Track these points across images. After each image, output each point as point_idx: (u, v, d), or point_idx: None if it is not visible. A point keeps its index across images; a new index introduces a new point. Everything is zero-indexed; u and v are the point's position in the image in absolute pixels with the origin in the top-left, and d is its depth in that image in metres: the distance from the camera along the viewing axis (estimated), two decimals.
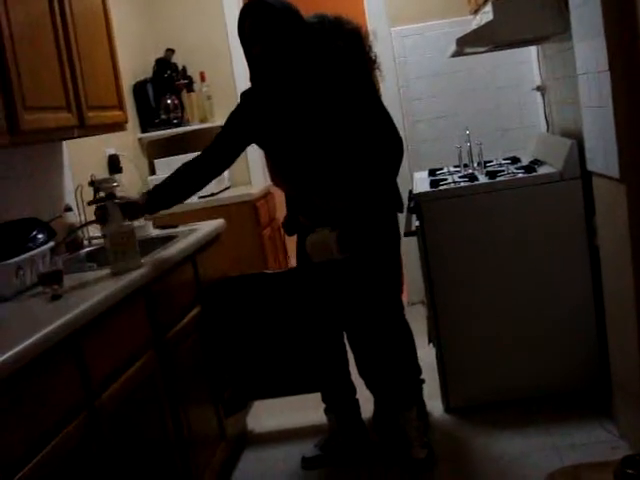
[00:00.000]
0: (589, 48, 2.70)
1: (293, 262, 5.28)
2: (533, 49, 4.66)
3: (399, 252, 3.24)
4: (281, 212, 3.42)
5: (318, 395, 3.42)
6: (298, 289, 3.26)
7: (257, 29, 2.88)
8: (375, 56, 3.20)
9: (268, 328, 3.36)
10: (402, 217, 3.34)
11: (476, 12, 4.01)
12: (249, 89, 3.15)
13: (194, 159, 3.13)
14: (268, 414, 3.86)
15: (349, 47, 3.08)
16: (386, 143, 2.93)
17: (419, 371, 3.48)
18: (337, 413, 3.38)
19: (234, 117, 3.13)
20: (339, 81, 2.93)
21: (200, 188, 3.16)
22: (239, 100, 3.18)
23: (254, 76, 3.05)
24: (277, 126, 3.03)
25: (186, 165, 3.11)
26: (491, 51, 4.17)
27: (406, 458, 3.17)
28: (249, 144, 3.15)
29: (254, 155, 5.35)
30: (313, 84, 2.95)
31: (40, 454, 1.85)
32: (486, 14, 3.53)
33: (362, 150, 2.93)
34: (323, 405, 3.41)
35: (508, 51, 4.48)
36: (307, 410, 3.73)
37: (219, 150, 3.12)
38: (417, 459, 3.13)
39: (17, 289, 2.55)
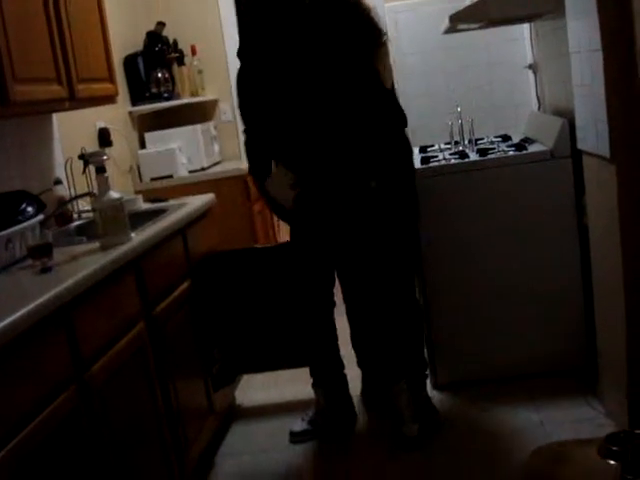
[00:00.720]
0: (582, 27, 2.70)
1: (282, 237, 5.34)
2: (526, 27, 4.64)
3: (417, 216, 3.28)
4: None
5: (306, 370, 3.44)
6: (289, 262, 3.25)
7: None
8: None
9: (257, 303, 3.38)
10: None
11: None
12: (242, 47, 3.13)
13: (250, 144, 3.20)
14: (256, 388, 3.88)
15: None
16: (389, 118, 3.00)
17: (425, 364, 3.42)
18: (325, 388, 3.39)
19: (244, 81, 3.12)
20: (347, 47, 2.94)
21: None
22: (239, 62, 3.14)
23: (255, 32, 3.04)
24: (284, 77, 3.00)
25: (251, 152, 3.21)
26: (484, 28, 4.15)
27: (397, 434, 3.17)
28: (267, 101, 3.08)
29: None
30: (320, 40, 2.93)
31: (29, 426, 1.86)
32: None
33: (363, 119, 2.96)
34: (311, 380, 3.42)
35: (501, 28, 4.47)
36: (295, 384, 3.76)
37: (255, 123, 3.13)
38: (409, 436, 3.13)
39: (6, 262, 2.54)
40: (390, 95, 3.05)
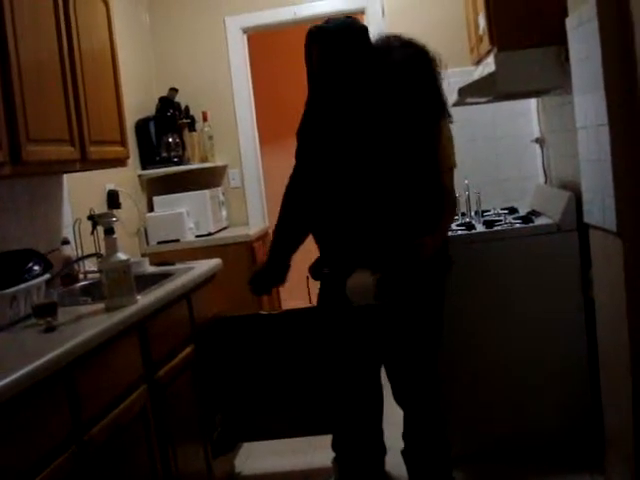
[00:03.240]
0: (589, 102, 2.73)
1: (286, 304, 5.32)
2: (533, 101, 4.71)
3: (442, 314, 3.06)
4: None
5: (306, 440, 3.38)
6: (321, 330, 3.10)
7: (323, 56, 2.87)
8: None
9: (260, 370, 3.35)
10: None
11: (478, 63, 4.06)
12: (305, 128, 3.00)
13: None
14: (256, 456, 3.82)
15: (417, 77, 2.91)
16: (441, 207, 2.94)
17: (449, 446, 3.10)
18: (349, 465, 3.14)
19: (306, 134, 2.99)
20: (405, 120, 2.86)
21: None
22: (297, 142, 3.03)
23: (316, 100, 2.97)
24: (338, 149, 2.90)
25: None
26: (492, 102, 4.21)
27: None
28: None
29: (253, 196, 5.39)
30: (377, 111, 2.86)
31: None
32: (488, 65, 3.57)
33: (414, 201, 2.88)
34: (312, 449, 3.33)
35: (508, 102, 4.53)
36: (296, 455, 3.70)
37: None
38: None
39: (11, 320, 2.54)
40: (439, 187, 2.95)
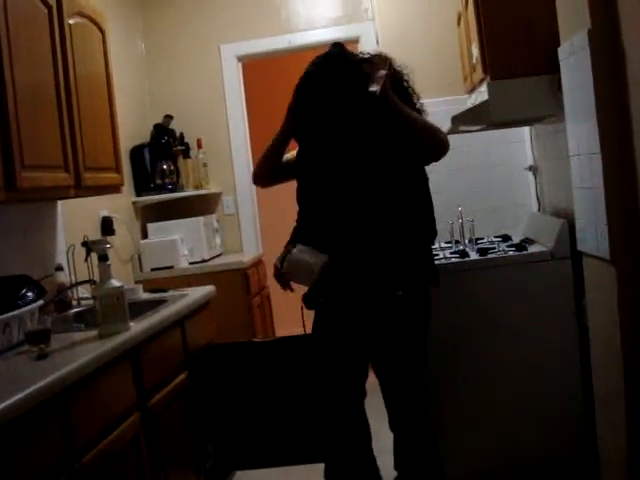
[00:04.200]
0: (581, 130, 2.75)
1: (280, 331, 5.31)
2: (526, 129, 4.74)
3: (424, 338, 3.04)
4: (271, 280, 3.36)
5: (300, 468, 3.36)
6: (311, 356, 3.08)
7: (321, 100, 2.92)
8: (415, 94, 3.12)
9: (253, 397, 3.34)
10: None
11: (472, 91, 4.09)
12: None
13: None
14: None
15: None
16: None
17: (443, 473, 3.07)
18: None
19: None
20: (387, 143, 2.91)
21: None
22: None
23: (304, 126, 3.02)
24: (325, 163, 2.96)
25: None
26: (485, 130, 4.23)
27: None
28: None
29: (247, 223, 5.40)
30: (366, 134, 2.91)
31: None
32: (481, 94, 3.59)
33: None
34: (305, 478, 3.31)
35: (501, 130, 4.55)
36: None
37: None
38: None
39: (4, 346, 2.53)
40: (427, 204, 3.00)
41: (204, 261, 4.86)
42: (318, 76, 2.93)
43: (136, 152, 4.92)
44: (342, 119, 2.91)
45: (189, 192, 5.13)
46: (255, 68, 6.02)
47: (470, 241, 3.99)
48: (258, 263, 5.16)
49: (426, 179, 3.04)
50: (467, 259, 3.59)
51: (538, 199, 4.50)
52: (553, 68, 3.02)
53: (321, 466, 3.26)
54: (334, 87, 2.90)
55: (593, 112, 2.55)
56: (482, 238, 4.17)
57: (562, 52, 2.86)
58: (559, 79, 2.99)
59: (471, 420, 3.50)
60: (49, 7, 3.02)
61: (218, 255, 5.18)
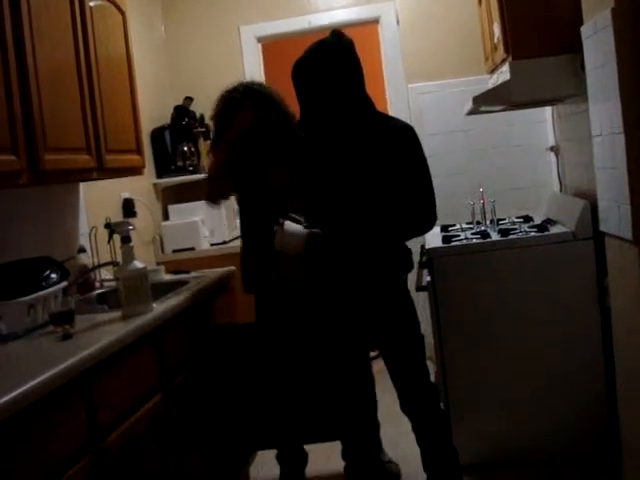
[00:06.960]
0: (604, 110, 2.73)
1: None
2: (548, 109, 4.70)
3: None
4: None
5: (323, 446, 3.38)
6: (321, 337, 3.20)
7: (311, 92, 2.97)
8: None
9: (278, 374, 3.34)
10: (413, 274, 3.29)
11: (493, 71, 4.06)
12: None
13: None
14: (272, 463, 3.81)
15: None
16: (420, 215, 2.96)
17: (455, 452, 3.10)
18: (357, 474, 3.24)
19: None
20: (391, 138, 2.95)
21: None
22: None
23: (306, 119, 3.06)
24: (320, 164, 3.03)
25: None
26: (506, 110, 4.21)
27: None
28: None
29: None
30: (364, 133, 2.95)
31: None
32: (503, 74, 3.57)
33: (393, 209, 2.93)
34: (333, 455, 3.34)
35: (523, 111, 4.52)
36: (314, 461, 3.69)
37: None
38: None
39: (28, 327, 2.55)
40: (429, 196, 3.02)
41: (225, 242, 4.87)
42: (310, 65, 2.93)
43: (157, 134, 4.93)
44: (334, 116, 2.94)
45: None
46: (275, 49, 6.00)
47: (492, 222, 3.98)
48: None
49: (424, 164, 3.08)
50: (488, 240, 3.58)
51: (560, 179, 4.48)
52: (575, 47, 3.00)
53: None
54: (324, 78, 2.90)
55: (616, 91, 2.52)
56: (503, 219, 4.16)
57: (585, 31, 2.84)
58: (582, 59, 2.96)
59: (489, 402, 3.50)
60: None
61: (239, 237, 5.18)
